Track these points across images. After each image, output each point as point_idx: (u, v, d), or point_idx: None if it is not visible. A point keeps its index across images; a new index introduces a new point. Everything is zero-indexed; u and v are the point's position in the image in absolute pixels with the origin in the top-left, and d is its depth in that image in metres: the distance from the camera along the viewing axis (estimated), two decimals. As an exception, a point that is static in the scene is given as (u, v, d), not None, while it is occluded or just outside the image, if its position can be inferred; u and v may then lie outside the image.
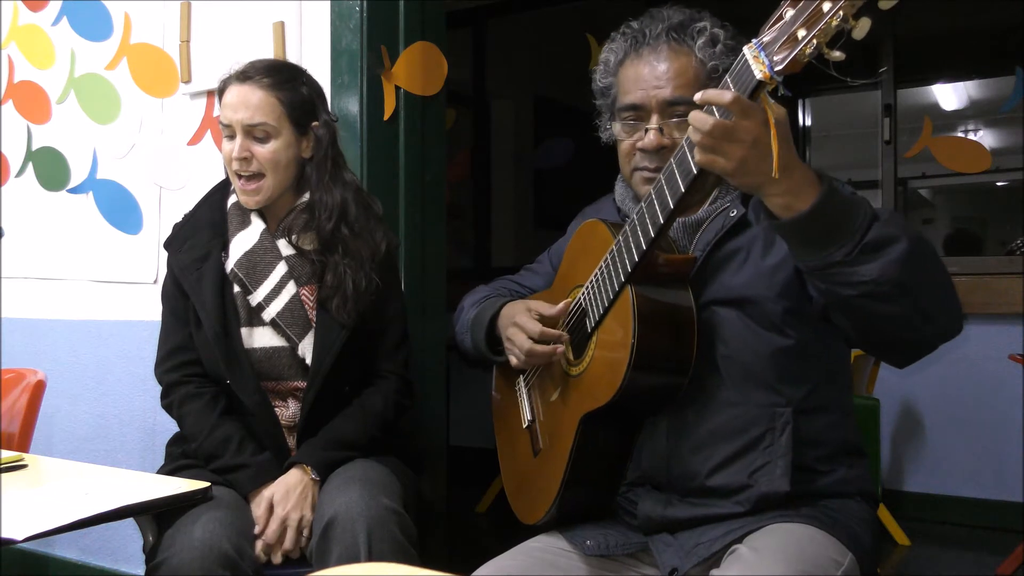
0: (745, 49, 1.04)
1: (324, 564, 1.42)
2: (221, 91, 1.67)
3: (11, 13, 2.72)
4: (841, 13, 0.95)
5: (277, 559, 1.52)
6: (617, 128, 1.39)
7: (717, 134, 1.04)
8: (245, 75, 1.64)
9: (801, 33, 0.98)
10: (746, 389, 1.27)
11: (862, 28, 0.96)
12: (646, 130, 1.33)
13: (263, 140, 1.63)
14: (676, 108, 1.31)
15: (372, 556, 1.40)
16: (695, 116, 1.07)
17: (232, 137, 1.64)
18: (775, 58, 1.00)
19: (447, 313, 2.11)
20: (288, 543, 1.52)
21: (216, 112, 2.30)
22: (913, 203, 5.37)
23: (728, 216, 1.31)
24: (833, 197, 1.07)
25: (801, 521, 1.23)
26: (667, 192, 1.18)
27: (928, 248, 1.12)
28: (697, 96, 1.07)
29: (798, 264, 1.17)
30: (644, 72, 1.33)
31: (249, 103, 1.62)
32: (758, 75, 1.02)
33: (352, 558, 1.40)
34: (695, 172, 1.12)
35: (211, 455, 1.61)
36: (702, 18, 1.35)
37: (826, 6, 0.96)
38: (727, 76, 1.07)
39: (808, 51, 0.98)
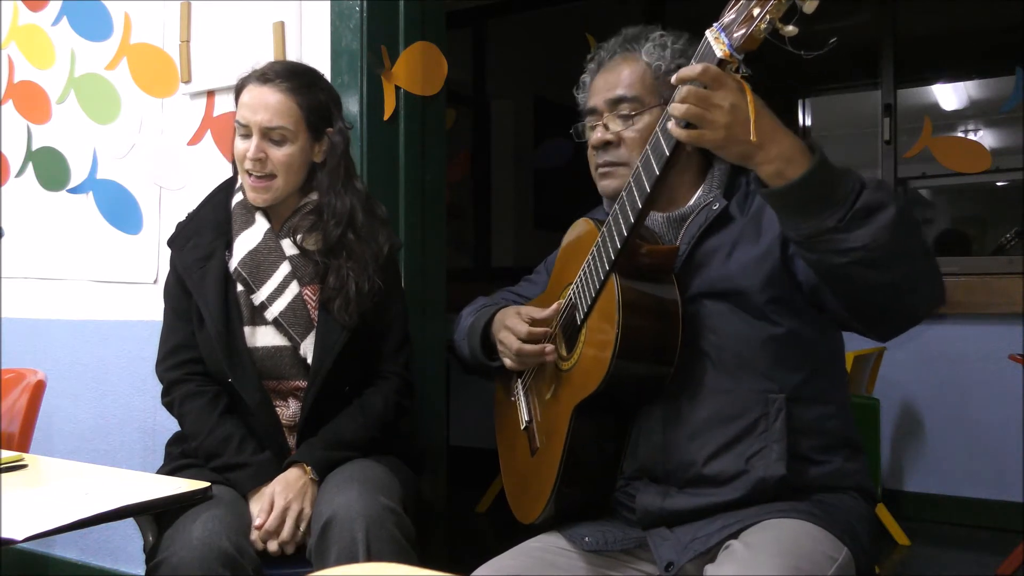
0: (707, 32, 1.11)
1: (323, 563, 1.42)
2: (239, 90, 1.68)
3: (11, 13, 2.72)
4: None
5: (273, 547, 1.51)
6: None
7: (694, 99, 1.10)
8: (265, 77, 1.65)
9: (756, 11, 1.04)
10: (739, 376, 1.29)
11: (811, 3, 1.01)
12: (594, 128, 1.42)
13: (279, 143, 1.64)
14: (620, 105, 1.40)
15: (371, 555, 1.40)
16: (676, 93, 1.13)
17: (247, 136, 1.65)
18: (734, 36, 1.07)
19: (447, 314, 2.12)
20: (285, 533, 1.52)
21: (216, 112, 2.32)
22: (913, 203, 5.36)
23: (711, 209, 1.35)
24: (826, 164, 1.11)
25: (797, 516, 1.24)
26: (644, 178, 1.23)
27: (913, 217, 1.15)
28: (673, 77, 1.14)
29: (789, 234, 1.19)
30: (600, 82, 1.45)
31: (268, 105, 1.62)
32: (719, 54, 1.08)
33: (351, 557, 1.40)
34: (668, 155, 1.18)
35: (211, 454, 1.61)
36: (656, 29, 1.45)
37: None
38: (693, 59, 1.13)
39: (763, 27, 1.04)
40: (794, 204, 1.12)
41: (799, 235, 1.14)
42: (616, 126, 1.39)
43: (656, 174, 1.20)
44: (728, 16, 1.08)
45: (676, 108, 1.12)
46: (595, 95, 1.44)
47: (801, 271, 1.28)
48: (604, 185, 1.41)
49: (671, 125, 1.15)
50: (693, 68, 1.10)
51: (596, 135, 1.41)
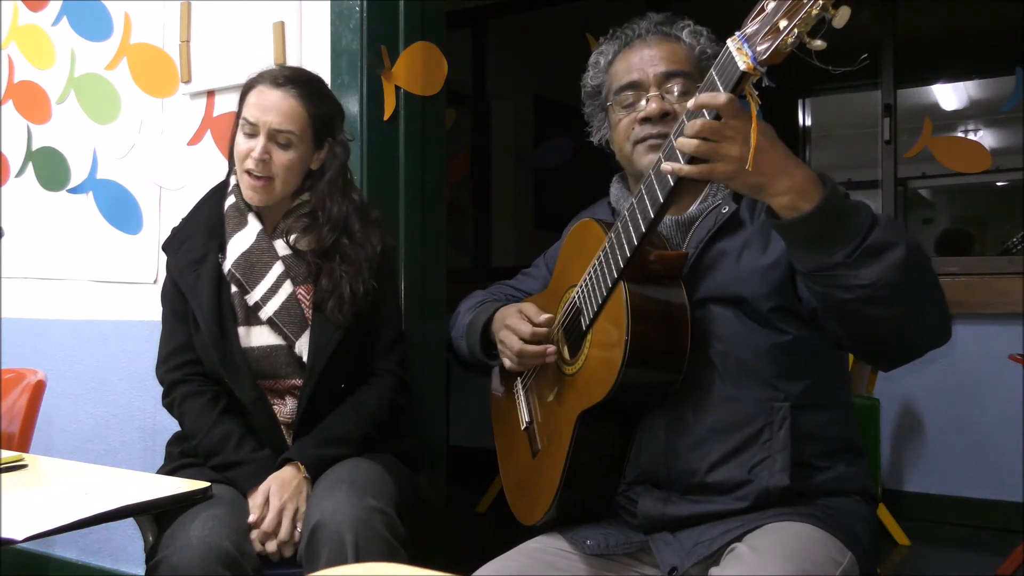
0: (729, 42, 1.05)
1: (313, 567, 1.42)
2: (247, 89, 1.69)
3: (11, 13, 2.72)
4: (820, 2, 0.96)
5: (272, 547, 1.51)
6: (614, 112, 1.42)
7: (708, 133, 1.06)
8: (277, 81, 1.67)
9: (783, 24, 0.99)
10: (743, 385, 1.27)
11: (842, 17, 0.97)
12: (647, 99, 1.37)
13: (284, 147, 1.66)
14: (672, 79, 1.36)
15: (360, 557, 1.39)
16: (688, 125, 1.08)
17: (253, 136, 1.66)
18: (758, 49, 1.02)
19: (447, 313, 2.11)
20: (283, 533, 1.52)
21: (216, 112, 2.32)
22: (913, 203, 5.36)
23: (720, 213, 1.33)
24: (837, 198, 1.08)
25: (801, 520, 1.23)
26: (657, 187, 1.19)
27: (923, 256, 1.13)
28: (690, 102, 1.09)
29: (797, 266, 1.18)
30: (637, 58, 1.40)
31: (280, 109, 1.64)
32: (742, 66, 1.03)
33: (340, 560, 1.40)
34: (683, 164, 1.13)
35: (210, 452, 1.62)
36: (684, 18, 1.42)
37: None
38: (712, 69, 1.08)
39: (790, 41, 0.99)
40: (804, 237, 1.10)
41: (806, 268, 1.13)
42: (673, 102, 1.35)
43: (670, 184, 1.16)
44: (751, 27, 1.03)
45: (686, 144, 1.08)
46: (635, 70, 1.38)
47: (803, 293, 1.26)
48: (652, 158, 1.30)
49: (675, 165, 1.11)
50: (716, 97, 1.05)
51: (653, 106, 1.35)
